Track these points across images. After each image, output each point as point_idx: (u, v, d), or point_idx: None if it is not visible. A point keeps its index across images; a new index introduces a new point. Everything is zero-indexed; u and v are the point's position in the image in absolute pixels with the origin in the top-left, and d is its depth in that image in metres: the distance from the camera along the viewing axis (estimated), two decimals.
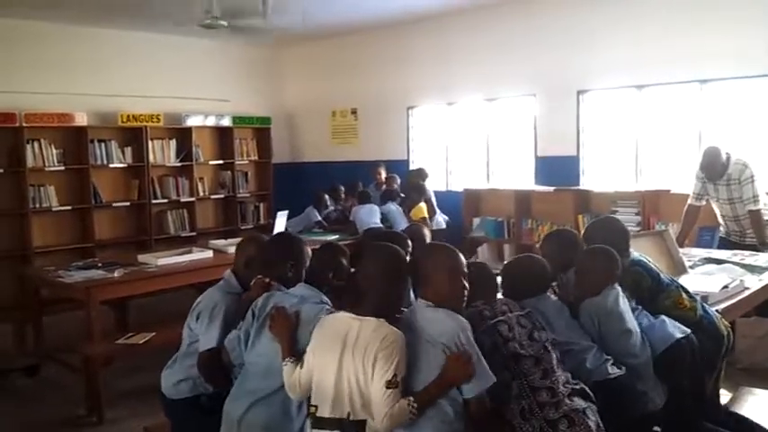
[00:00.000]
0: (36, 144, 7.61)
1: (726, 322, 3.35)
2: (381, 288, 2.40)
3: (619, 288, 2.99)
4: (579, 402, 2.49)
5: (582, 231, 3.69)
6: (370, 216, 7.20)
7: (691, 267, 4.25)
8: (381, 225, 7.03)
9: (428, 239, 3.75)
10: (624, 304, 2.96)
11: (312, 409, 2.33)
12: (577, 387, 2.55)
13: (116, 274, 5.12)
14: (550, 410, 2.44)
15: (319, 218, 7.80)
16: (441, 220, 7.72)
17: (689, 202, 5.41)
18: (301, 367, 2.41)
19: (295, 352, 2.48)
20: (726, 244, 5.27)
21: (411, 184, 7.85)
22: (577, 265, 3.05)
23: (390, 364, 2.22)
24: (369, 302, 2.38)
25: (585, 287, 2.97)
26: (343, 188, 8.43)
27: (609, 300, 2.91)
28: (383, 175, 8.59)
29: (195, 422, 2.92)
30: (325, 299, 2.67)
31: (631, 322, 2.94)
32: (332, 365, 2.30)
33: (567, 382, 2.55)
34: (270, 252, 2.97)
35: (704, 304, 3.35)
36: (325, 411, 2.29)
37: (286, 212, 7.95)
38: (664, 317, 3.10)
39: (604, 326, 2.88)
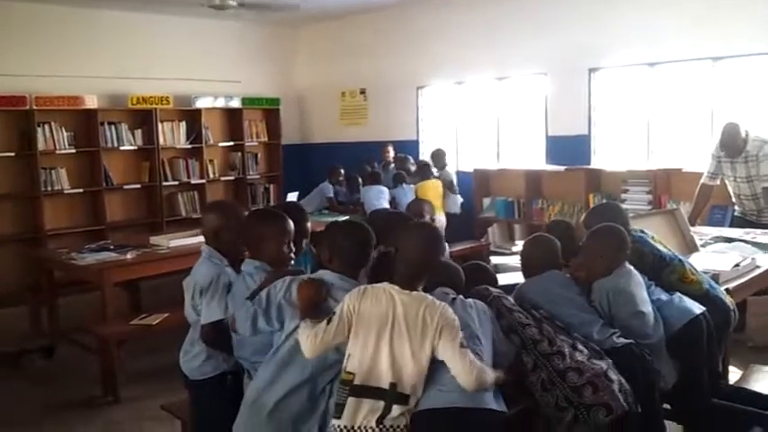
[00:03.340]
0: (47, 127, 7.63)
1: (730, 298, 3.33)
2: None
3: (631, 267, 2.96)
4: (600, 364, 2.50)
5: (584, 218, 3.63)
6: (377, 197, 7.20)
7: (702, 246, 4.23)
8: (388, 206, 7.01)
9: (427, 216, 3.69)
10: (636, 284, 2.92)
11: (349, 376, 2.28)
12: (587, 351, 2.57)
13: (128, 256, 5.16)
14: (573, 376, 2.45)
15: (331, 194, 7.82)
16: (452, 203, 7.69)
17: (702, 181, 5.36)
18: (328, 323, 2.32)
19: (313, 316, 2.39)
20: (741, 223, 5.22)
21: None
22: (585, 248, 3.00)
23: (455, 330, 2.27)
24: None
25: (595, 269, 2.93)
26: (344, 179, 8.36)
27: (620, 280, 2.89)
28: (391, 153, 8.59)
29: (221, 402, 2.82)
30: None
31: (643, 303, 2.90)
32: (372, 341, 2.27)
33: (574, 345, 2.58)
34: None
35: (709, 279, 3.33)
36: (366, 380, 2.26)
37: (296, 193, 7.99)
38: (679, 294, 3.09)
39: (614, 307, 2.85)
